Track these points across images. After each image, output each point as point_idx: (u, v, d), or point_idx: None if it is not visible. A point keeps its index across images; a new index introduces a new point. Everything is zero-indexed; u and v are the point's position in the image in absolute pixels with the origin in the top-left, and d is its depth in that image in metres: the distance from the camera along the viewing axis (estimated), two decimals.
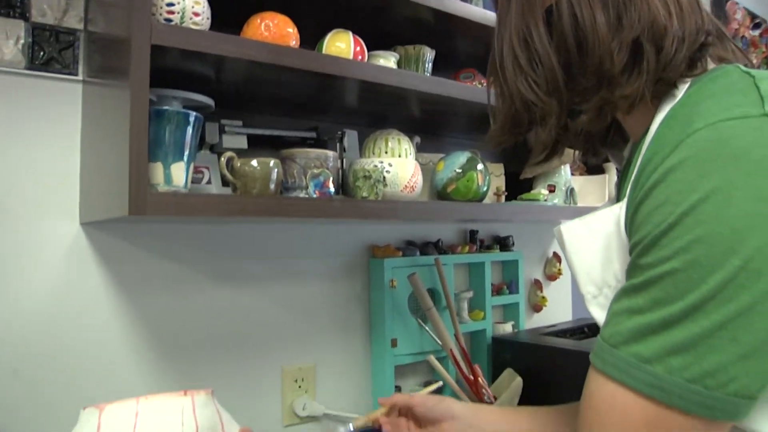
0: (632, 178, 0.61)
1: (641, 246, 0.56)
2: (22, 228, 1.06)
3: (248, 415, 1.28)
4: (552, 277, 1.97)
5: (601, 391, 0.57)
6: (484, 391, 1.46)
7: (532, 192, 1.52)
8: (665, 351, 0.53)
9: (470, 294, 1.62)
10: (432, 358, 1.40)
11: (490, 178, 1.39)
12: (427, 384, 1.53)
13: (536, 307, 1.91)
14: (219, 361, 1.25)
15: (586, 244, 0.65)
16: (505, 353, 1.60)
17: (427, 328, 1.46)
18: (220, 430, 0.70)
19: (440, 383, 1.03)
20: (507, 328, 1.72)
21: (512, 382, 1.48)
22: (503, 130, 0.75)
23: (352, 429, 0.88)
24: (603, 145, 0.81)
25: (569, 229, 0.67)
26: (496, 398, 1.47)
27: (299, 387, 1.34)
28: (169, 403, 0.67)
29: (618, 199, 0.69)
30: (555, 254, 1.98)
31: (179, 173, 0.93)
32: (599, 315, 0.62)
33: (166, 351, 1.18)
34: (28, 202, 1.06)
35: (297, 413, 1.33)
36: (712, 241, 0.52)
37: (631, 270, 0.57)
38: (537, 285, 1.91)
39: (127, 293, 1.15)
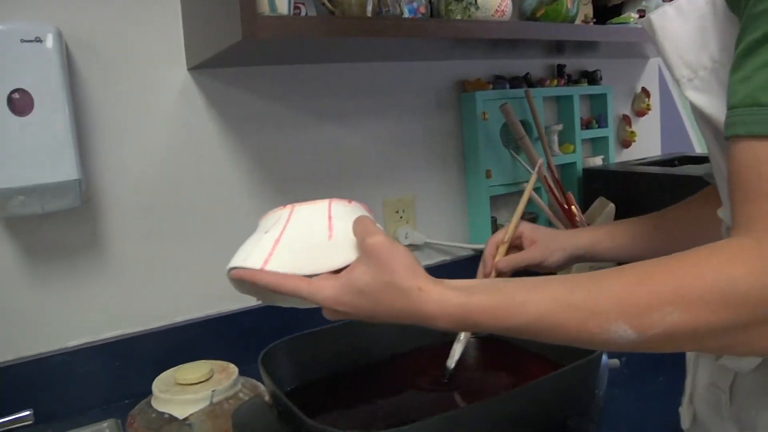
0: None
1: None
2: (135, 77, 1.13)
3: None
4: (640, 113, 1.95)
5: (755, 155, 0.51)
6: (577, 218, 1.51)
7: (622, 16, 1.49)
8: None
9: (559, 127, 1.64)
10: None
11: (579, 3, 1.37)
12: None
13: (625, 143, 1.91)
14: (323, 193, 1.33)
15: (677, 26, 0.61)
16: (596, 183, 1.63)
17: (519, 158, 1.50)
18: (324, 234, 0.66)
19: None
20: (596, 161, 1.75)
21: (605, 208, 1.52)
22: None
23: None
24: None
25: (659, 15, 0.63)
26: (589, 224, 1.51)
27: (400, 218, 1.42)
28: (273, 216, 0.69)
29: None
30: (644, 89, 1.95)
31: (282, 1, 0.97)
32: (696, 97, 0.59)
33: (274, 185, 1.28)
34: (137, 51, 1.13)
35: (399, 241, 1.42)
36: None
37: (746, 27, 0.52)
38: (625, 120, 1.91)
39: (236, 133, 1.23)
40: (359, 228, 0.63)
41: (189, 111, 1.19)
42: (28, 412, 0.94)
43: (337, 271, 0.63)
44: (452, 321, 0.57)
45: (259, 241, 0.66)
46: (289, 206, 0.68)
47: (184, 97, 1.18)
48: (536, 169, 1.04)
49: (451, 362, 0.91)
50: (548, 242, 0.92)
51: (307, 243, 0.65)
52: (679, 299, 0.49)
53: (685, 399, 0.71)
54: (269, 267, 0.63)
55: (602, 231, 0.93)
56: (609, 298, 0.52)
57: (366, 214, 0.68)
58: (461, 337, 0.92)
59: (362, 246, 0.61)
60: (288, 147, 1.28)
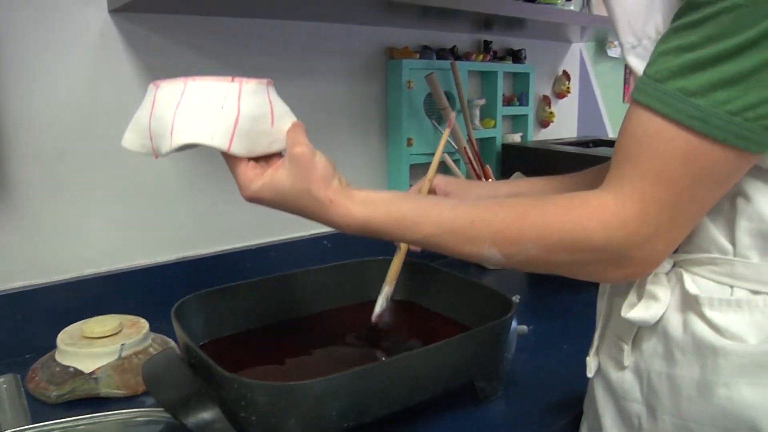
0: None
1: None
2: (53, 14, 1.07)
3: None
4: (560, 95, 2.01)
5: (643, 124, 0.58)
6: None
7: None
8: (711, 85, 0.53)
9: (482, 102, 1.66)
10: (446, 157, 1.47)
11: None
12: None
13: (543, 123, 1.96)
14: None
15: None
16: (514, 159, 1.67)
17: (441, 128, 1.51)
18: (268, 119, 0.70)
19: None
20: (515, 138, 1.79)
21: None
22: None
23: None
24: None
25: None
26: None
27: None
28: (215, 87, 0.67)
29: None
30: (564, 72, 2.00)
31: None
32: (637, 64, 0.63)
33: None
34: None
35: None
36: None
37: (685, 9, 0.56)
38: (545, 101, 1.96)
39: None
40: (291, 135, 0.70)
41: (107, 55, 1.13)
42: None
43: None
44: (356, 231, 0.67)
45: (219, 118, 0.67)
46: (233, 80, 0.68)
47: (103, 42, 1.12)
48: (448, 122, 1.04)
49: (374, 315, 0.95)
50: (462, 194, 0.95)
51: (256, 126, 0.69)
52: (541, 240, 0.61)
53: (592, 350, 0.76)
54: (233, 149, 0.67)
55: (519, 184, 0.97)
56: (487, 229, 0.63)
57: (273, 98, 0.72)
58: (384, 291, 0.94)
59: (289, 153, 0.67)
60: None
